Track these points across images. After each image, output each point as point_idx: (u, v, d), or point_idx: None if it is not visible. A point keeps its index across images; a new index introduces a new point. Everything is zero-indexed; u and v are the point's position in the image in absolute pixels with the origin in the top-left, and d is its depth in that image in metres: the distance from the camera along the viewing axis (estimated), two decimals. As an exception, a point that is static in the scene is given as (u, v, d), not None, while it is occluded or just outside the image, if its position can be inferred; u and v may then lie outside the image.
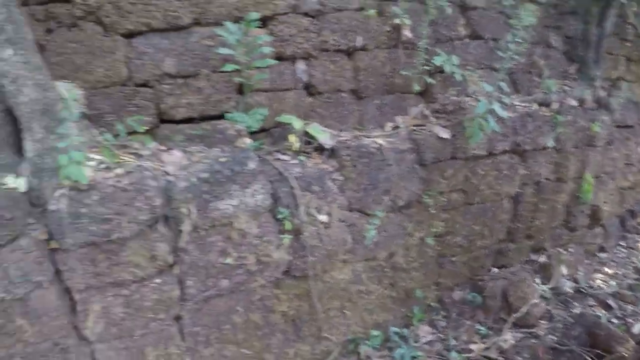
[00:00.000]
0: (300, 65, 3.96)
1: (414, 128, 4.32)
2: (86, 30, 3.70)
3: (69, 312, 3.29)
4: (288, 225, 3.42)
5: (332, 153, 3.66)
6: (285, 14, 3.85)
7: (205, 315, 3.47)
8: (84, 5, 3.68)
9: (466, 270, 4.91)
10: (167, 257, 3.22)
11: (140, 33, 3.78)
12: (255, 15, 3.56)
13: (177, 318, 3.44)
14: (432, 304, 4.72)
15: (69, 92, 3.39)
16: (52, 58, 3.66)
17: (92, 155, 3.26)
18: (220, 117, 3.70)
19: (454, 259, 4.78)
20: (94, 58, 3.70)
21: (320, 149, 3.81)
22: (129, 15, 3.71)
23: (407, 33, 4.51)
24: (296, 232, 3.49)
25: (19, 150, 3.34)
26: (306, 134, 3.77)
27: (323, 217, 3.55)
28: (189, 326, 3.47)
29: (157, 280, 3.26)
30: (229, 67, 3.38)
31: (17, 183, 3.15)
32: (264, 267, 3.45)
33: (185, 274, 3.30)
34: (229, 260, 3.31)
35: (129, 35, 3.78)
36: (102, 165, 3.21)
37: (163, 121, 3.72)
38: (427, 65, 4.54)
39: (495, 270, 5.24)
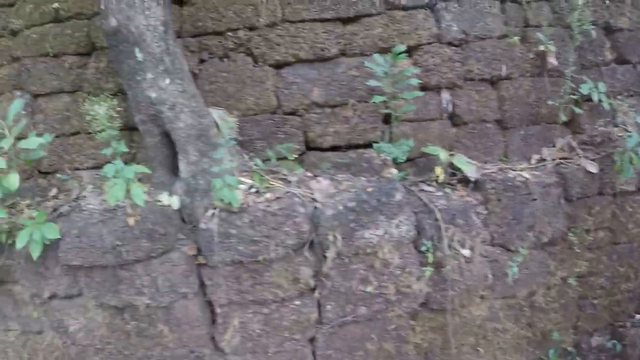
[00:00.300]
0: (445, 95, 3.81)
1: (561, 161, 4.09)
2: (237, 61, 3.82)
3: (209, 324, 3.41)
4: (430, 258, 3.33)
5: (477, 186, 3.50)
6: (429, 43, 3.73)
7: (340, 340, 3.45)
8: (235, 38, 3.80)
9: (607, 315, 4.56)
10: (309, 281, 3.23)
11: (288, 64, 3.83)
12: (401, 47, 3.49)
13: (312, 340, 3.45)
14: (568, 348, 4.42)
15: (222, 119, 3.51)
16: (205, 86, 3.80)
17: (243, 180, 3.34)
18: (366, 146, 3.64)
19: (595, 301, 4.44)
20: (244, 87, 3.80)
21: (464, 181, 3.67)
22: (278, 47, 3.78)
23: (552, 60, 4.24)
24: (437, 265, 3.38)
25: (173, 170, 3.50)
26: (451, 165, 3.67)
27: (465, 252, 3.43)
28: (322, 349, 3.46)
29: (297, 302, 3.29)
30: (378, 99, 3.34)
31: (171, 201, 3.30)
32: (403, 298, 3.37)
33: (325, 298, 3.30)
34: (369, 289, 3.27)
35: (278, 65, 3.84)
36: (253, 190, 3.28)
37: (310, 148, 3.73)
38: (573, 94, 4.26)
39: (639, 317, 4.86)
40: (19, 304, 3.67)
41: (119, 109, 3.24)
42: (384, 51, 3.68)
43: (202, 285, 3.30)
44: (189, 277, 3.21)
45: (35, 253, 3.18)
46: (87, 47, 4.05)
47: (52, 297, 3.52)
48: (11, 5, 4.32)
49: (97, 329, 3.48)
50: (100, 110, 3.15)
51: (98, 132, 3.19)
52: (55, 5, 4.08)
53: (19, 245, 3.16)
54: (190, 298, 3.28)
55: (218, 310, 3.35)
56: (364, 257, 3.23)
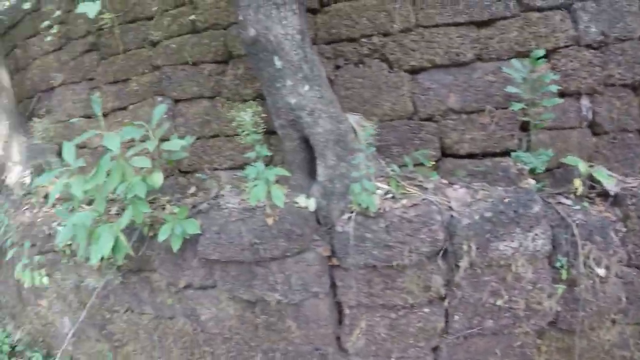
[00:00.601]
0: (585, 102, 3.77)
1: None
2: (372, 67, 3.87)
3: (335, 324, 3.49)
4: (564, 275, 3.23)
5: (616, 200, 3.42)
6: (566, 46, 3.57)
7: (464, 351, 3.41)
8: (370, 44, 3.85)
9: None
10: (439, 289, 3.22)
11: (423, 69, 3.82)
12: (541, 52, 3.38)
13: (435, 349, 3.43)
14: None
15: (359, 124, 3.59)
16: (341, 92, 3.90)
17: (380, 185, 3.39)
18: (502, 154, 3.60)
19: None
20: (380, 93, 3.84)
21: (603, 195, 3.52)
22: (413, 52, 3.78)
23: None
24: (571, 283, 3.26)
25: (310, 173, 3.63)
26: (590, 177, 3.53)
27: (601, 271, 3.30)
28: (444, 359, 3.46)
29: (425, 310, 3.29)
30: (516, 106, 3.29)
31: (308, 203, 3.42)
32: (532, 314, 3.28)
33: (454, 308, 3.27)
34: (499, 302, 3.21)
35: (413, 71, 3.84)
36: (389, 195, 3.32)
37: (446, 155, 3.74)
38: None
39: None
40: (155, 291, 3.92)
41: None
42: (520, 55, 3.61)
43: (333, 286, 3.38)
44: (321, 277, 3.29)
45: (176, 246, 3.41)
46: (224, 55, 4.28)
47: (187, 286, 3.74)
48: (150, 18, 4.66)
49: (228, 320, 3.65)
50: (246, 117, 3.32)
51: (244, 136, 3.35)
52: (192, 17, 4.34)
53: (161, 237, 3.39)
54: (321, 297, 3.36)
55: (346, 311, 3.42)
56: (497, 269, 3.18)
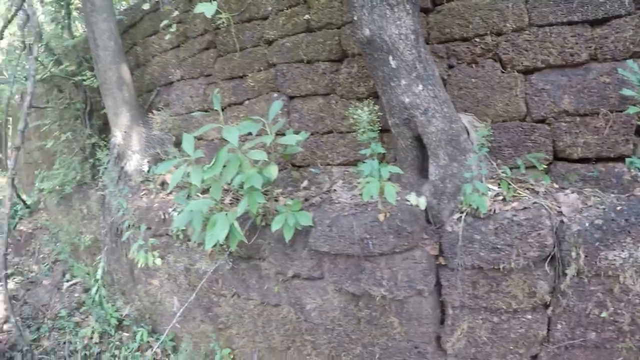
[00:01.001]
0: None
1: None
2: (485, 67, 3.87)
3: (437, 323, 3.58)
4: (677, 290, 3.17)
5: None
6: None
7: (564, 362, 3.41)
8: (483, 43, 3.85)
9: None
10: (544, 296, 3.22)
11: (537, 69, 3.76)
12: None
13: (535, 357, 3.43)
14: None
15: (471, 124, 3.66)
16: (454, 92, 3.94)
17: (490, 186, 3.44)
18: (616, 159, 3.50)
19: None
20: (493, 93, 3.84)
21: None
22: (526, 52, 3.74)
23: None
24: (684, 299, 3.20)
25: (421, 172, 3.73)
26: None
27: None
28: (544, 368, 3.44)
29: (528, 316, 3.30)
30: (632, 109, 3.20)
31: (419, 201, 3.51)
32: (637, 330, 3.20)
33: (557, 316, 3.26)
34: (603, 314, 3.17)
35: (527, 71, 3.79)
36: (499, 197, 3.36)
37: (558, 159, 3.66)
38: None
39: None
40: (262, 278, 4.17)
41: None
42: (636, 56, 3.50)
43: (438, 285, 3.48)
44: (427, 275, 3.39)
45: (288, 236, 3.61)
46: (338, 53, 4.46)
47: (295, 276, 3.97)
48: (265, 18, 4.93)
49: (332, 311, 3.84)
50: (363, 115, 3.46)
51: (360, 134, 3.49)
52: (307, 16, 4.56)
53: (274, 228, 3.60)
54: (425, 296, 3.45)
55: (449, 311, 3.50)
56: (604, 280, 3.13)
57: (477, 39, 3.88)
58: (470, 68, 3.92)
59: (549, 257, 3.17)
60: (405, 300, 3.50)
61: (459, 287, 3.36)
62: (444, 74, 3.95)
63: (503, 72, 3.83)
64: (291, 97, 4.74)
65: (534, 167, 3.65)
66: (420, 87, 3.44)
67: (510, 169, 3.63)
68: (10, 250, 6.08)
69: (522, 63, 3.77)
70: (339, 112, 4.38)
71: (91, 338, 5.88)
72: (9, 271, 6.74)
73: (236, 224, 3.65)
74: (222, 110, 5.03)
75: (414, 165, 3.73)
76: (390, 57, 3.42)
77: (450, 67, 4.01)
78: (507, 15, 3.73)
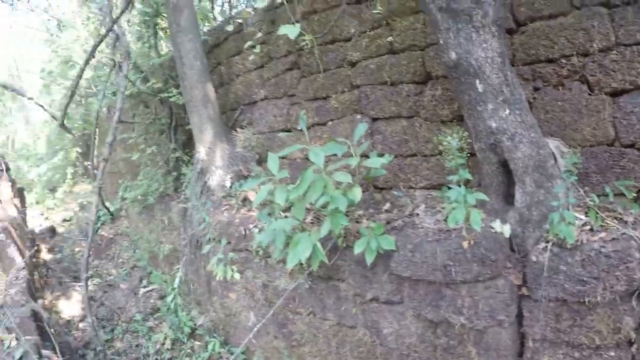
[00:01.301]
0: None
1: None
2: (572, 89, 3.78)
3: (515, 355, 3.55)
4: None
5: None
6: None
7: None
8: (569, 65, 3.76)
9: None
10: (630, 333, 3.15)
11: (625, 91, 3.62)
12: None
13: (617, 397, 3.36)
14: None
15: (558, 150, 3.61)
16: (540, 115, 3.88)
17: (578, 215, 3.41)
18: None
19: None
20: (579, 117, 3.75)
21: None
22: (613, 73, 3.62)
23: None
24: None
25: (506, 198, 3.74)
26: None
27: None
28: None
29: (612, 353, 3.23)
30: None
31: (503, 229, 3.53)
32: None
33: (643, 355, 3.20)
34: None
35: (614, 93, 3.67)
36: (587, 227, 3.33)
37: None
38: None
39: None
40: (340, 299, 4.27)
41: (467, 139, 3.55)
42: None
43: (519, 316, 3.47)
44: (509, 306, 3.40)
45: (370, 259, 3.70)
46: (422, 75, 4.52)
47: (373, 299, 4.05)
48: (348, 40, 5.07)
49: (408, 337, 3.89)
50: (453, 142, 3.51)
51: (448, 160, 3.55)
52: (390, 38, 4.66)
53: (357, 250, 3.71)
54: (505, 327, 3.45)
55: (529, 344, 3.48)
56: (696, 319, 3.06)
57: (563, 60, 3.80)
58: (556, 91, 3.86)
59: (637, 292, 3.11)
60: (485, 330, 3.50)
61: (541, 320, 3.35)
62: (529, 97, 3.91)
63: (590, 95, 3.74)
64: (374, 119, 4.85)
65: (623, 194, 3.56)
66: (507, 111, 3.45)
67: (598, 196, 3.57)
68: (91, 253, 6.43)
69: (609, 85, 3.67)
70: (423, 134, 4.44)
71: (163, 344, 6.16)
72: (89, 273, 7.11)
73: (319, 245, 3.78)
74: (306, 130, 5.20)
75: (499, 191, 3.74)
76: (477, 81, 3.45)
77: (536, 89, 3.97)
78: (593, 35, 3.65)
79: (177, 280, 6.27)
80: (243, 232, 5.08)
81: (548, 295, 3.26)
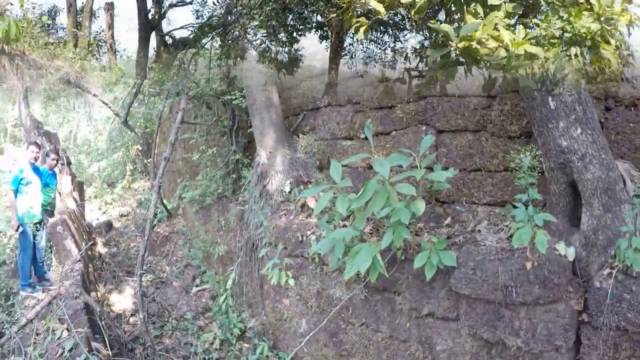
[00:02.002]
0: None
1: None
2: None
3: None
4: None
5: None
6: None
7: None
8: None
9: None
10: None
11: None
12: None
13: None
14: None
15: (628, 173, 3.60)
16: (610, 137, 3.90)
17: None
18: None
19: None
20: None
21: None
22: None
23: None
24: None
25: (571, 220, 3.76)
26: None
27: None
28: None
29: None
30: None
31: (567, 252, 3.55)
32: None
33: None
34: None
35: None
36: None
37: None
38: None
39: None
40: (395, 312, 4.37)
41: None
42: None
43: (577, 342, 3.48)
44: (568, 331, 3.42)
45: (429, 274, 3.76)
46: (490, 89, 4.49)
47: (429, 314, 4.13)
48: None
49: (462, 355, 3.96)
50: (526, 160, 3.55)
51: (518, 178, 3.58)
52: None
53: (417, 264, 3.78)
54: (562, 352, 3.47)
55: (587, 372, 3.49)
56: None
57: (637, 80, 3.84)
58: (628, 111, 3.88)
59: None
60: (541, 355, 3.53)
61: (600, 348, 3.37)
62: (601, 117, 3.93)
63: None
64: (440, 131, 4.93)
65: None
66: (579, 130, 3.48)
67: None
68: (146, 250, 6.67)
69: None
70: (489, 149, 4.50)
71: (212, 343, 6.32)
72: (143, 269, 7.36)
73: (378, 256, 3.84)
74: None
75: (564, 212, 3.76)
76: (550, 98, 3.50)
77: (608, 109, 3.98)
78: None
79: (230, 282, 6.44)
80: (300, 238, 5.22)
81: (609, 324, 3.28)
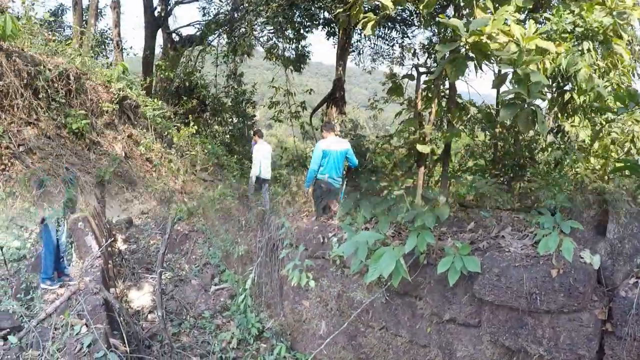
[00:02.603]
0: None
1: None
2: None
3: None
4: None
5: None
6: None
7: None
8: None
9: None
10: None
11: None
12: None
13: None
14: None
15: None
16: None
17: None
18: None
19: None
20: None
21: None
22: None
23: None
24: None
25: (597, 227, 3.77)
26: None
27: None
28: None
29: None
30: None
31: (593, 260, 3.56)
32: None
33: None
34: None
35: None
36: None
37: None
38: None
39: None
40: (415, 317, 4.41)
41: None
42: None
43: (600, 351, 3.48)
44: (591, 341, 3.43)
45: (452, 280, 3.79)
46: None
47: (450, 320, 4.16)
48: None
49: (483, 362, 3.92)
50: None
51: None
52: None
53: (440, 270, 3.82)
54: (585, 362, 3.48)
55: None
56: None
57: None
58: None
59: None
60: (556, 364, 3.56)
61: (623, 359, 3.37)
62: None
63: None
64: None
65: None
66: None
67: None
68: (166, 248, 6.74)
69: None
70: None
71: (229, 342, 6.37)
72: (162, 267, 7.44)
73: (402, 261, 3.88)
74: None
75: (589, 219, 3.76)
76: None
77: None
78: None
79: (249, 281, 6.50)
80: (321, 240, 5.27)
81: (634, 334, 3.28)
